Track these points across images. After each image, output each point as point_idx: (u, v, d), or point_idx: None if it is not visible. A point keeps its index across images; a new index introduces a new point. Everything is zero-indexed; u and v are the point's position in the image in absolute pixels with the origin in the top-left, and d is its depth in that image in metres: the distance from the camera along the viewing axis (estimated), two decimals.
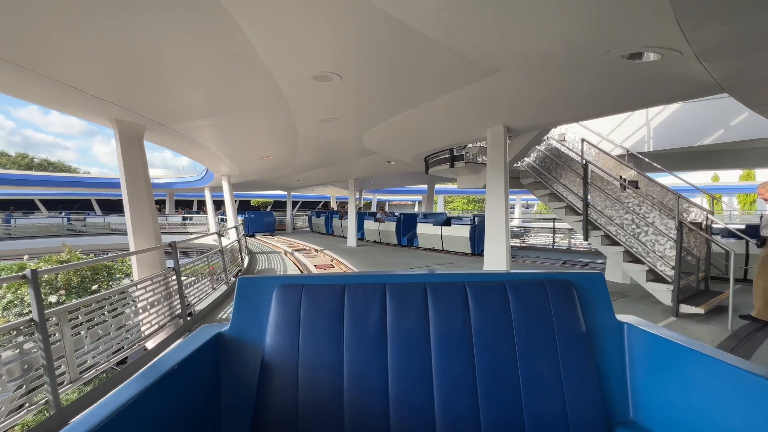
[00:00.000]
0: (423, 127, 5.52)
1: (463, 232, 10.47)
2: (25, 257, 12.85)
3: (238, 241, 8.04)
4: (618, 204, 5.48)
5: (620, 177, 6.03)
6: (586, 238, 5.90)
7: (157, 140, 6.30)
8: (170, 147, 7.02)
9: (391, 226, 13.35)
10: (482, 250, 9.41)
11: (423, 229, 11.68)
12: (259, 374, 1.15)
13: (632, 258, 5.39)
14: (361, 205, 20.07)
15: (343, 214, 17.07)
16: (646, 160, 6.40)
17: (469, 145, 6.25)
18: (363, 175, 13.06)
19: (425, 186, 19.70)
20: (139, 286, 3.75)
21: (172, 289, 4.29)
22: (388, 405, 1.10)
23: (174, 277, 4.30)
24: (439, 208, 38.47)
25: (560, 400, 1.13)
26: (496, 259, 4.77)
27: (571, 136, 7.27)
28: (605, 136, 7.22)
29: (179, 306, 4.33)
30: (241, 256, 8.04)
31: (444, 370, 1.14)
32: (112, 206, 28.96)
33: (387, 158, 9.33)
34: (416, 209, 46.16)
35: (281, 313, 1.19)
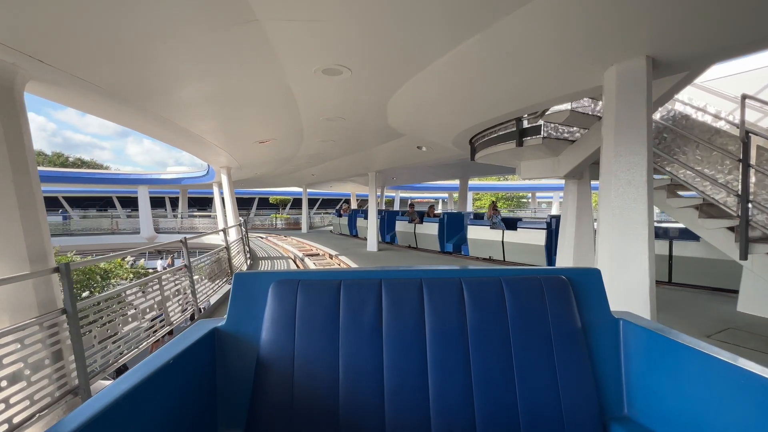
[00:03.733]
0: (483, 78, 3.49)
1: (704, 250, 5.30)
2: None
3: (227, 248, 6.22)
4: None
5: None
6: (744, 256, 3.68)
7: (73, 102, 4.34)
8: (113, 119, 5.16)
9: (530, 236, 7.82)
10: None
11: None
12: (255, 369, 1.14)
13: None
14: (420, 206, 16.10)
15: (412, 214, 11.74)
16: None
17: (550, 111, 4.16)
18: (386, 167, 11.08)
19: (453, 182, 17.47)
20: None
21: (63, 344, 2.49)
22: (383, 400, 1.10)
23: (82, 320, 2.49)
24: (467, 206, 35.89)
25: (555, 395, 1.12)
26: (632, 292, 2.60)
27: (683, 100, 4.99)
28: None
29: (75, 372, 2.53)
30: (231, 269, 6.24)
31: (439, 366, 1.13)
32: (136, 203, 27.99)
33: (417, 143, 7.33)
34: (440, 208, 43.57)
35: (277, 309, 1.18)
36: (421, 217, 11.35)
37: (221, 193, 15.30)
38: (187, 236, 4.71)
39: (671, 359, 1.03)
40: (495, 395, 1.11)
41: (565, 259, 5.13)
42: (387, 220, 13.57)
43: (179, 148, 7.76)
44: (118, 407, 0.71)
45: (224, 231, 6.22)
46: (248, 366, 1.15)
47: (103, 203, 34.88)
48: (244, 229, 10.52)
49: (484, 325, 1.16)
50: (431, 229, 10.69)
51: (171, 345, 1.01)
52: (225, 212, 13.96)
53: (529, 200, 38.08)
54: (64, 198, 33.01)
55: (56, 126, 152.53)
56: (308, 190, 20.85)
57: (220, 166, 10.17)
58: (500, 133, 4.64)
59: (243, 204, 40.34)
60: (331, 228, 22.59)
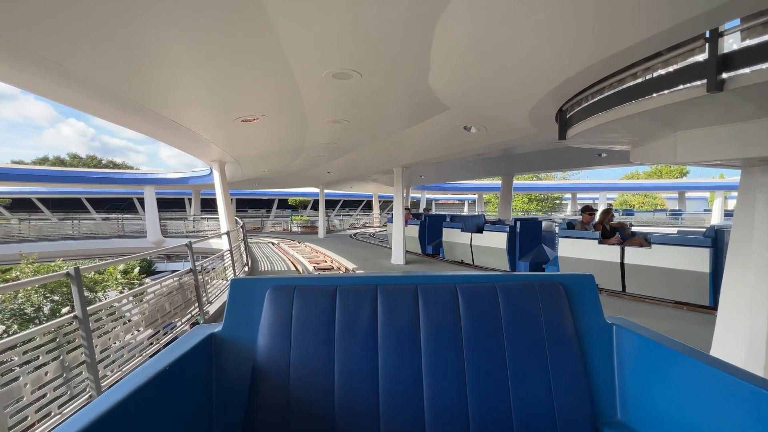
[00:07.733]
0: None
1: None
2: None
3: (194, 270, 4.27)
4: None
5: None
6: None
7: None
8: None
9: None
10: None
11: None
12: (251, 375, 1.14)
13: None
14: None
15: (587, 224, 6.33)
16: None
17: None
18: (416, 161, 8.98)
19: (483, 182, 15.03)
20: None
21: None
22: (378, 405, 1.09)
23: None
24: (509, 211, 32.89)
25: (548, 400, 1.11)
26: None
27: None
28: None
29: None
30: (201, 303, 4.28)
31: (434, 371, 1.13)
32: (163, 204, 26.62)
33: (467, 120, 5.19)
34: (465, 210, 40.67)
35: (273, 314, 1.18)
36: (604, 230, 5.99)
37: (237, 194, 13.65)
38: (87, 261, 2.80)
39: (664, 365, 1.02)
40: (489, 400, 1.10)
41: (741, 301, 2.89)
42: (521, 233, 7.56)
43: (152, 137, 6.01)
44: (114, 414, 0.71)
45: (189, 246, 4.27)
46: (245, 371, 1.14)
47: (126, 204, 34.63)
48: (242, 234, 8.72)
49: (478, 331, 1.16)
50: (673, 259, 5.00)
51: (168, 351, 1.00)
52: (229, 215, 12.26)
53: (568, 201, 34.74)
54: (86, 199, 32.95)
55: (95, 131, 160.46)
56: (326, 190, 19.04)
57: (211, 159, 8.42)
58: (650, 76, 2.47)
59: (262, 205, 39.31)
60: (351, 233, 20.68)
